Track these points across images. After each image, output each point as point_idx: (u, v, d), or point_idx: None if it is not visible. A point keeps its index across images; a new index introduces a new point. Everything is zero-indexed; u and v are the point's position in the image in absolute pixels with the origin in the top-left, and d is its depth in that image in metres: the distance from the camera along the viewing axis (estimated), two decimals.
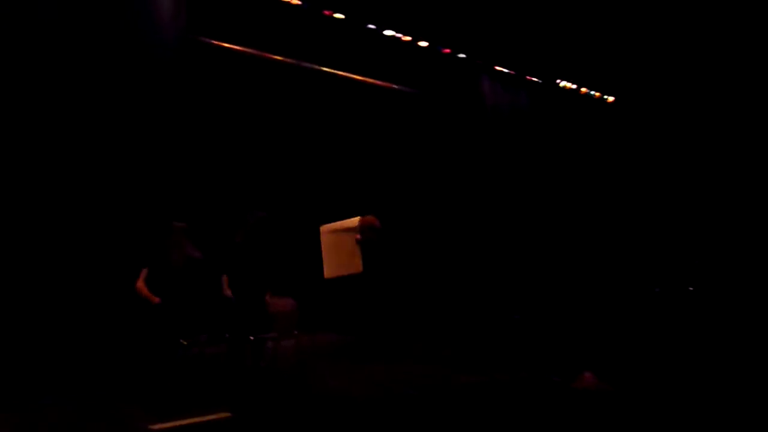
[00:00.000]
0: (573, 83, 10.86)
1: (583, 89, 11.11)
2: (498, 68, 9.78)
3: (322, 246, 6.97)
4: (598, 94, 11.41)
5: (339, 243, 6.79)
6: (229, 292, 5.64)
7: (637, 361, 6.03)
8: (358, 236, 6.63)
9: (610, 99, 11.63)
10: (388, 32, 8.24)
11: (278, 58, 7.89)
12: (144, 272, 5.31)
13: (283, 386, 5.55)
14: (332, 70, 8.45)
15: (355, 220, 6.74)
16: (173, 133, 6.32)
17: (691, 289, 11.03)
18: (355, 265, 6.61)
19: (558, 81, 10.65)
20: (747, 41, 10.64)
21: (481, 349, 7.34)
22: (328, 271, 6.91)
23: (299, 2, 7.30)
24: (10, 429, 4.16)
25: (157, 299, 5.16)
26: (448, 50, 9.03)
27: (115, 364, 5.49)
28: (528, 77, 10.26)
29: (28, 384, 4.99)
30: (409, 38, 8.47)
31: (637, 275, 11.42)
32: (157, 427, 4.23)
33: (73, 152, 5.66)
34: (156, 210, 6.05)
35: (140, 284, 5.18)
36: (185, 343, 5.78)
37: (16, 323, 5.19)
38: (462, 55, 9.17)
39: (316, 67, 8.29)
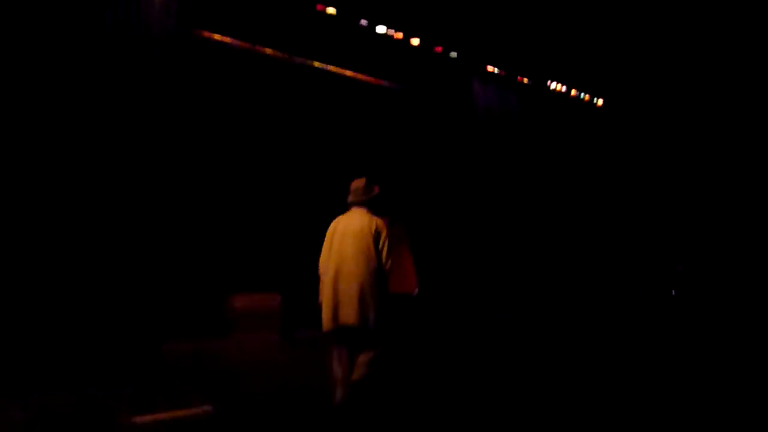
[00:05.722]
0: (563, 85, 10.91)
1: (573, 91, 11.17)
2: (489, 68, 9.81)
3: None
4: (587, 96, 11.48)
5: None
6: None
7: None
8: None
9: (600, 102, 11.71)
10: (380, 29, 8.23)
11: (269, 51, 7.87)
12: None
13: (264, 381, 5.55)
14: (324, 65, 8.44)
15: None
16: (166, 127, 6.24)
17: (674, 293, 11.14)
18: None
19: (548, 83, 10.70)
20: (736, 46, 10.75)
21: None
22: None
23: None
24: None
25: None
26: (439, 48, 9.04)
27: (99, 357, 5.46)
28: (519, 78, 10.30)
29: (12, 377, 4.96)
30: (400, 35, 8.46)
31: (623, 277, 11.53)
32: (140, 419, 4.22)
33: (65, 149, 5.57)
34: (149, 209, 5.99)
35: None
36: None
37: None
38: (453, 54, 9.19)
39: (308, 61, 8.27)
